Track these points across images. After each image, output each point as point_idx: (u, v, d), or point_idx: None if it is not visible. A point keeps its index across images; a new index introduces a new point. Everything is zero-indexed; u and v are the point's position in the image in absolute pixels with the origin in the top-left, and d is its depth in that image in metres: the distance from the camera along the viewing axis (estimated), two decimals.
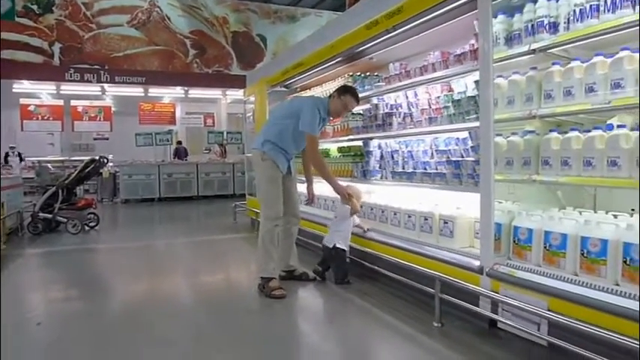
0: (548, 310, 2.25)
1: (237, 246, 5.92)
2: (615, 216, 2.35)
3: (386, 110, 4.14)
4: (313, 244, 4.69)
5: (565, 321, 2.11)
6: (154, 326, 3.04)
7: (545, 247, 2.47)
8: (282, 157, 3.73)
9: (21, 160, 13.23)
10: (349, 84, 4.43)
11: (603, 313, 2.03)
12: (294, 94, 5.99)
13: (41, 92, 14.29)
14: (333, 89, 3.99)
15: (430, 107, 3.60)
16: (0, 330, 2.83)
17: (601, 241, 2.20)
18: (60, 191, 6.68)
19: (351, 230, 3.88)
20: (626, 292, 2.05)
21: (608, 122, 2.33)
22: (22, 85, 13.36)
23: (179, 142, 14.89)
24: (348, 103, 3.77)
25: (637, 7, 2.13)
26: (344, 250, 3.77)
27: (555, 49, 2.57)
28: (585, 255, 2.27)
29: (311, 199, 4.19)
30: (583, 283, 2.23)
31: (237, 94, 13.80)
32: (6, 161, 12.51)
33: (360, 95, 3.96)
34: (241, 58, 15.89)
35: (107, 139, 15.79)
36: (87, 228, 6.89)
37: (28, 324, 3.11)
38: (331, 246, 3.76)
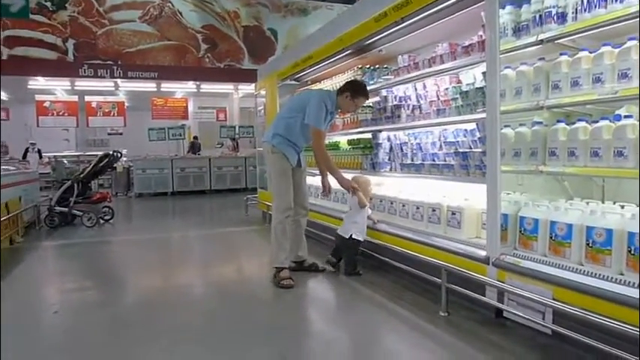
0: (553, 299, 2.27)
1: (249, 238, 5.99)
2: (622, 206, 2.35)
3: (395, 102, 4.16)
4: (324, 235, 4.73)
5: (569, 310, 2.13)
6: (168, 315, 3.12)
7: (550, 237, 2.48)
8: (291, 150, 3.78)
9: (40, 156, 13.46)
10: (358, 77, 4.45)
11: (607, 302, 2.05)
12: (305, 87, 6.02)
13: (56, 88, 14.49)
14: (343, 82, 4.00)
15: (438, 99, 3.60)
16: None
17: (606, 230, 2.21)
18: (75, 185, 6.83)
19: (366, 222, 3.90)
20: (630, 282, 2.07)
21: (616, 113, 2.33)
22: (37, 82, 13.57)
23: (195, 137, 15.02)
24: (359, 103, 3.83)
25: None
26: (359, 241, 3.81)
27: (563, 40, 2.56)
28: (590, 245, 2.28)
29: (327, 190, 4.19)
30: (588, 272, 2.25)
31: (249, 88, 13.82)
32: (24, 157, 12.74)
33: (369, 88, 3.99)
34: (253, 53, 15.90)
35: (121, 134, 16.06)
36: (102, 221, 7.03)
37: (46, 312, 3.22)
38: (347, 236, 3.79)
